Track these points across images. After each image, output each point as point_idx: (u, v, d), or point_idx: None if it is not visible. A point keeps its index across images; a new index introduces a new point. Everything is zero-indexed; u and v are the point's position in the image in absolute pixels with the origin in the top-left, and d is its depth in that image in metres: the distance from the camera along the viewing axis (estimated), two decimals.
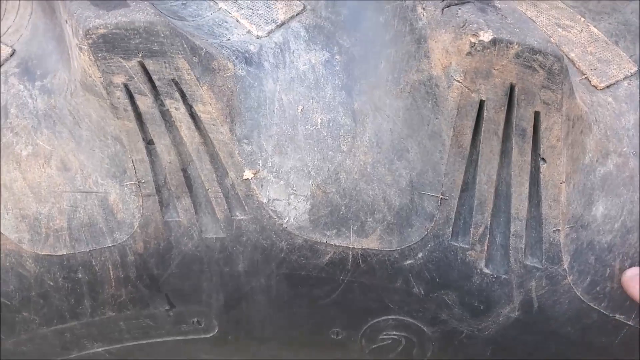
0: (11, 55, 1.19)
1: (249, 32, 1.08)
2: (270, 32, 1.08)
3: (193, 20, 1.10)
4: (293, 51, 1.06)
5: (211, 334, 1.22)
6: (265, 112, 1.03)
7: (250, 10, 1.10)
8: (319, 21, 1.09)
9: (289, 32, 1.08)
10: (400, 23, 1.01)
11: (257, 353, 1.26)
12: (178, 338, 1.24)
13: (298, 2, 1.11)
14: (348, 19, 1.08)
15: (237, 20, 1.10)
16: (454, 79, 0.94)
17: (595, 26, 1.16)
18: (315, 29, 1.08)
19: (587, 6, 1.20)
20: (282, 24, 1.08)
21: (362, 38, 1.06)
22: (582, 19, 1.16)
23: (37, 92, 1.12)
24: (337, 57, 1.06)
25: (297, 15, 1.09)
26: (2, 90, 1.14)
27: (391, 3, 1.04)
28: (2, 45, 1.24)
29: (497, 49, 0.90)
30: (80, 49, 0.97)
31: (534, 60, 0.90)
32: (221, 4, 1.12)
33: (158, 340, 1.24)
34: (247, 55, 1.05)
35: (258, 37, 1.07)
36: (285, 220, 1.04)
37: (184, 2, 1.15)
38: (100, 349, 1.28)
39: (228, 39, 1.07)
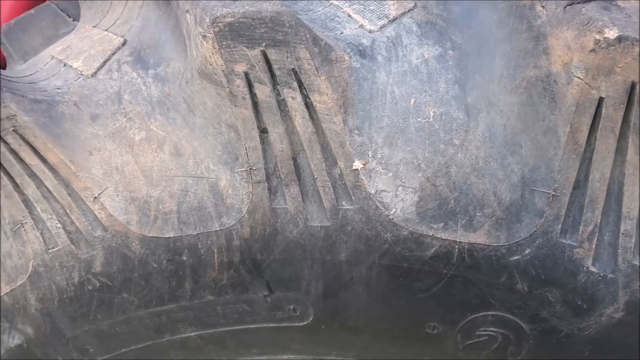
0: (123, 45, 1.24)
1: (361, 26, 1.10)
2: (382, 27, 1.10)
3: (305, 15, 1.13)
4: (405, 45, 1.08)
5: (305, 323, 1.23)
6: (377, 104, 1.05)
7: (362, 6, 1.13)
8: (431, 17, 1.11)
9: (401, 27, 1.10)
10: (516, 21, 1.03)
11: (348, 345, 1.28)
12: (271, 325, 1.26)
13: None
14: (460, 17, 1.10)
15: (349, 15, 1.12)
16: (575, 76, 0.94)
17: None
18: (427, 25, 1.10)
19: None
20: (394, 19, 1.11)
21: (475, 35, 1.08)
22: None
23: (151, 80, 1.16)
24: (450, 52, 1.08)
25: (408, 11, 1.11)
26: (115, 77, 1.19)
27: (505, 2, 1.05)
28: (112, 35, 1.29)
29: (621, 46, 0.91)
30: (204, 37, 1.00)
31: None
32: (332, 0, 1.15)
33: (251, 326, 1.27)
34: (360, 48, 1.07)
35: (370, 32, 1.10)
36: (391, 212, 1.06)
37: None
38: (193, 334, 1.31)
39: (342, 33, 1.09)
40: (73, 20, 1.63)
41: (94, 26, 1.37)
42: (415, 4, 1.12)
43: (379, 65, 1.07)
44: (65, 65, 1.26)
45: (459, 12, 1.10)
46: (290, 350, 1.34)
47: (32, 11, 1.66)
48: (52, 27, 1.62)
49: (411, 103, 1.05)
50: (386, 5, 1.12)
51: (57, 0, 1.68)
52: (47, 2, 1.69)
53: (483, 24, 1.07)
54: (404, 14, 1.11)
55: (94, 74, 1.20)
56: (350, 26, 1.11)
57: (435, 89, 1.06)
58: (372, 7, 1.12)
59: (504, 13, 1.05)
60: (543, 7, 0.98)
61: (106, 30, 1.32)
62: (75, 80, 1.21)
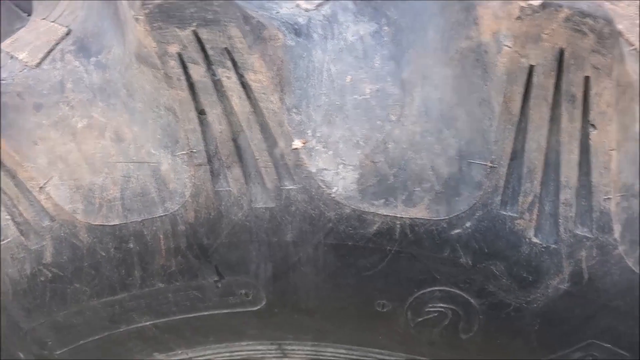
0: (67, 35, 1.24)
1: (297, 5, 1.10)
2: (318, 6, 1.10)
3: None
4: (341, 23, 1.08)
5: (258, 307, 1.23)
6: (314, 82, 1.05)
7: None
8: None
9: (337, 5, 1.10)
10: None
11: (304, 327, 1.27)
12: (225, 311, 1.25)
13: None
14: None
15: None
16: (504, 45, 0.94)
17: None
18: (362, 2, 1.10)
19: None
20: None
21: (410, 9, 1.07)
22: None
23: (93, 68, 1.15)
24: (385, 28, 1.07)
25: None
26: (59, 66, 1.19)
27: None
28: (57, 25, 1.29)
29: (546, 12, 0.90)
30: (137, 19, 1.00)
31: (583, 23, 0.90)
32: None
33: (205, 313, 1.26)
34: (296, 26, 1.07)
35: (307, 10, 1.09)
36: (333, 190, 1.05)
37: None
38: (147, 323, 1.30)
39: (277, 12, 1.09)
40: (28, 16, 1.63)
41: (43, 18, 1.36)
42: None
43: (314, 43, 1.06)
44: (12, 57, 1.26)
45: None
46: (247, 337, 1.33)
47: None
48: (7, 23, 1.62)
49: (347, 80, 1.05)
50: None
51: None
52: None
53: None
54: None
55: (39, 64, 1.20)
56: (286, 5, 1.10)
57: (370, 65, 1.05)
58: None
59: None
60: None
61: (53, 21, 1.32)
62: (20, 71, 1.21)
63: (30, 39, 1.29)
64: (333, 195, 1.05)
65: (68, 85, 1.16)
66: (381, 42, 1.06)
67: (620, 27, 1.05)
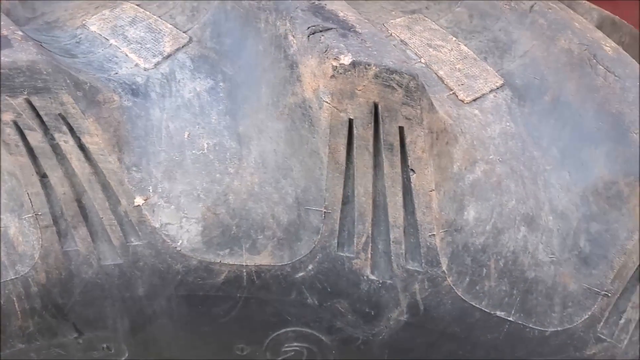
0: None
1: (136, 65, 1.13)
2: (157, 64, 1.13)
3: (84, 57, 1.15)
4: (179, 80, 1.12)
5: (122, 359, 1.24)
6: (152, 140, 1.08)
7: (139, 45, 1.16)
8: (204, 51, 1.15)
9: (175, 63, 1.14)
10: (276, 50, 1.08)
11: None
12: None
13: (184, 34, 1.17)
14: (231, 48, 1.15)
15: (127, 55, 1.15)
16: (324, 100, 1.01)
17: (466, 44, 1.25)
18: (200, 59, 1.14)
19: (460, 26, 1.30)
20: (169, 55, 1.14)
21: (245, 65, 1.12)
22: (454, 39, 1.25)
23: None
24: (221, 84, 1.12)
25: (183, 47, 1.15)
26: None
27: (268, 32, 1.10)
28: None
29: (357, 70, 0.97)
30: None
31: (391, 79, 0.97)
32: (112, 41, 1.18)
33: None
34: (134, 86, 1.10)
35: (145, 70, 1.13)
36: (178, 243, 1.09)
37: (77, 40, 1.20)
38: None
39: (116, 73, 1.12)
40: None
41: None
42: (190, 38, 1.16)
43: (152, 102, 1.10)
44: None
45: (230, 44, 1.15)
46: None
47: None
48: None
49: (186, 136, 1.09)
50: (162, 43, 1.16)
51: None
52: None
53: (251, 55, 1.12)
54: (178, 49, 1.15)
55: None
56: (126, 65, 1.13)
57: (207, 120, 1.10)
58: (148, 45, 1.15)
59: (266, 43, 1.10)
60: (294, 36, 1.04)
61: None
62: None
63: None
64: (179, 249, 1.09)
65: None
66: (217, 98, 1.11)
67: (441, 72, 1.14)
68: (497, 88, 1.18)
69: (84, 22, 1.21)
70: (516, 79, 1.21)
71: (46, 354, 1.24)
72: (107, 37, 1.19)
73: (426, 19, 1.29)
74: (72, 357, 1.24)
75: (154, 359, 1.25)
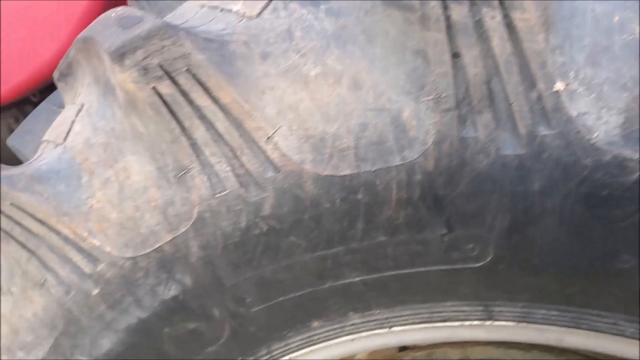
0: None
1: None
2: None
3: None
4: None
5: (480, 264, 1.20)
6: (578, 23, 1.01)
7: None
8: None
9: None
10: None
11: (522, 287, 1.23)
12: (443, 268, 1.22)
13: None
14: None
15: None
16: None
17: None
18: None
19: None
20: None
21: None
22: None
23: (323, 15, 1.13)
24: None
25: None
26: (283, 15, 1.17)
27: None
28: None
29: None
30: None
31: None
32: None
33: (421, 269, 1.23)
34: None
35: None
36: (594, 135, 1.01)
37: None
38: (357, 279, 1.28)
39: None
40: None
41: None
42: None
43: None
44: (222, 10, 1.25)
45: None
46: (456, 296, 1.30)
47: None
48: None
49: (615, 20, 1.00)
50: None
51: None
52: None
53: None
54: None
55: (259, 14, 1.18)
56: None
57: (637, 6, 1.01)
58: None
59: None
60: None
61: None
62: (238, 22, 1.19)
63: None
64: (593, 141, 1.01)
65: (297, 33, 1.13)
66: None
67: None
68: None
69: None
70: None
71: (404, 249, 1.21)
72: None
73: None
74: (429, 256, 1.21)
75: (516, 267, 1.19)
